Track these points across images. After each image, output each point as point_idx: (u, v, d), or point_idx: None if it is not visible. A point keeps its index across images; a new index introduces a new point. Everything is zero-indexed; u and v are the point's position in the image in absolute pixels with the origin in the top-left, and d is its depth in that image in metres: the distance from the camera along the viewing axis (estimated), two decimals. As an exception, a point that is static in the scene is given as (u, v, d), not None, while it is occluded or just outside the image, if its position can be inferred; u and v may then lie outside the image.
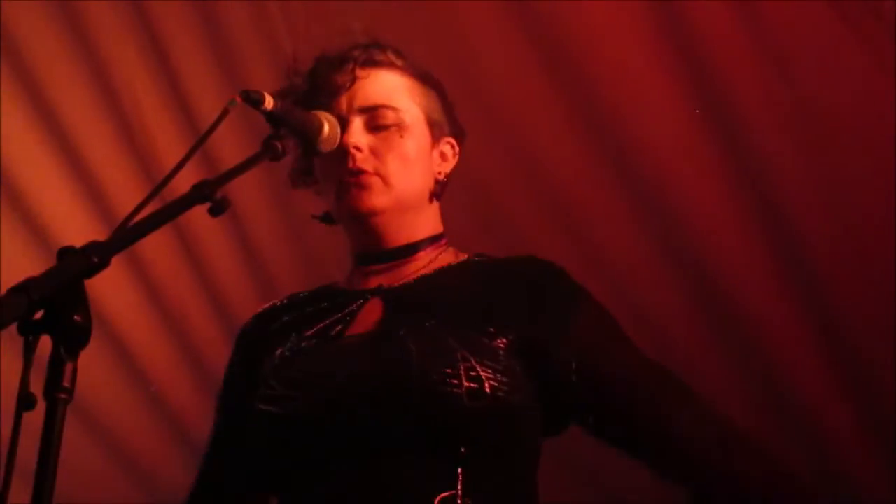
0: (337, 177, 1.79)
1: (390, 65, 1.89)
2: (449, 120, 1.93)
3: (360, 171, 1.78)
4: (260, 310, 1.95)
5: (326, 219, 1.94)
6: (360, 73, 1.85)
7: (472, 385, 1.59)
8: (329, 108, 1.81)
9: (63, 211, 3.46)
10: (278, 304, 1.93)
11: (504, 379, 1.63)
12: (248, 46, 3.23)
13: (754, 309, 3.22)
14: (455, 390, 1.59)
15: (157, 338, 3.64)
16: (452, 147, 1.92)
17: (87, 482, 3.40)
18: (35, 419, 1.23)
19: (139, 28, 3.28)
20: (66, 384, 1.22)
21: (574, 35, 3.06)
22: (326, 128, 1.73)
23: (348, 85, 1.83)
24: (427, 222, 1.88)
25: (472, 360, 1.62)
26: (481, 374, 1.61)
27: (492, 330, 1.69)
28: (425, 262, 1.84)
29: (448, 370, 1.60)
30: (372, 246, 1.84)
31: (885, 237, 2.97)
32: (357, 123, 1.81)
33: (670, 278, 3.27)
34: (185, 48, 3.29)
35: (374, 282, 1.84)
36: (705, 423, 1.77)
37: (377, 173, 1.79)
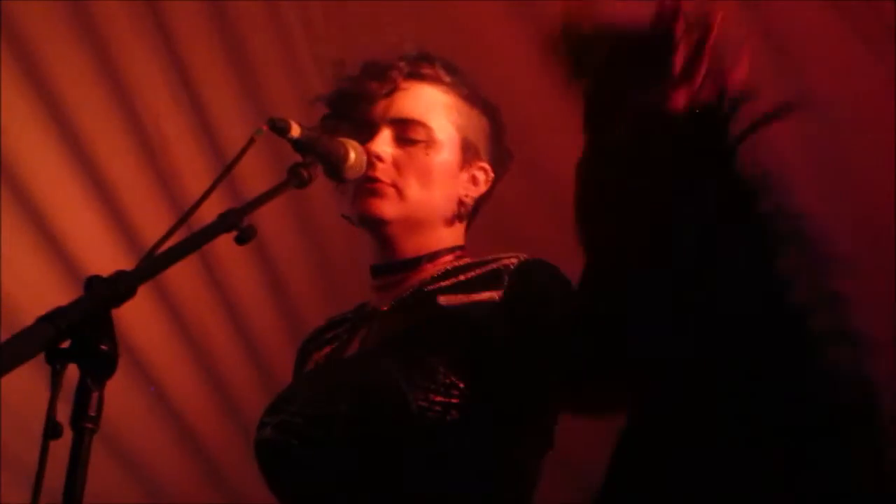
0: (357, 182, 1.80)
1: (436, 80, 1.88)
2: (492, 145, 1.92)
3: (377, 180, 1.79)
4: (319, 326, 2.00)
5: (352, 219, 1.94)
6: (402, 84, 1.85)
7: (457, 413, 1.61)
8: (364, 114, 1.83)
9: (89, 238, 3.47)
10: (320, 327, 1.97)
11: (485, 403, 1.64)
12: (269, 65, 3.25)
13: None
14: (431, 414, 1.60)
15: (182, 365, 3.64)
16: (486, 173, 1.90)
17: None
18: (61, 447, 1.23)
19: (162, 49, 3.30)
20: (92, 413, 1.22)
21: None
22: (352, 155, 1.74)
23: (387, 94, 1.84)
24: (443, 240, 1.86)
25: (462, 384, 1.62)
26: (465, 399, 1.61)
27: (469, 350, 1.67)
28: (425, 277, 1.83)
29: (437, 398, 1.61)
30: (383, 256, 1.86)
31: (890, 233, 2.96)
32: (385, 134, 1.83)
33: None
34: (207, 68, 3.31)
35: (385, 297, 1.84)
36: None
37: (394, 185, 1.80)
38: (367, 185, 1.79)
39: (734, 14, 2.85)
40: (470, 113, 1.89)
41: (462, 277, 1.79)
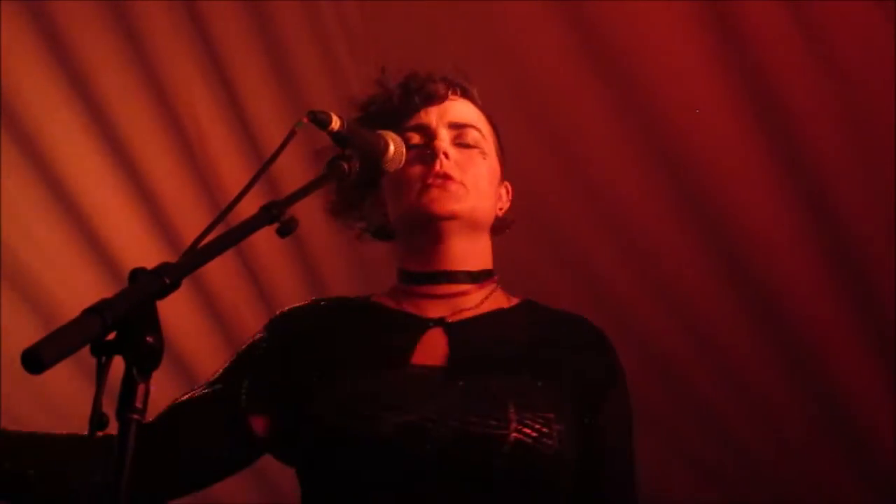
0: (419, 178, 1.81)
1: (474, 100, 1.96)
2: (504, 167, 1.98)
3: (447, 176, 1.81)
4: (304, 303, 1.94)
5: (380, 233, 1.96)
6: (451, 94, 1.92)
7: (560, 448, 1.64)
8: (417, 116, 1.87)
9: (128, 235, 3.49)
10: (322, 303, 1.93)
11: (573, 443, 1.68)
12: (306, 63, 3.25)
13: (809, 314, 3.20)
14: (548, 451, 1.62)
15: (218, 358, 3.65)
16: (508, 192, 1.98)
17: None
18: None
19: (200, 46, 3.31)
20: (138, 405, 1.22)
21: (623, 35, 3.05)
22: (392, 148, 1.74)
23: (441, 99, 1.89)
24: (483, 253, 1.90)
25: (562, 423, 1.65)
26: (565, 436, 1.65)
27: (564, 393, 1.72)
28: (479, 299, 1.85)
29: (545, 430, 1.63)
30: (426, 262, 1.85)
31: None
32: (445, 134, 1.86)
33: (722, 279, 3.26)
34: (243, 61, 3.32)
35: (426, 307, 1.84)
36: None
37: (461, 182, 1.82)
38: (437, 182, 1.81)
39: (775, 13, 2.86)
40: (496, 136, 1.97)
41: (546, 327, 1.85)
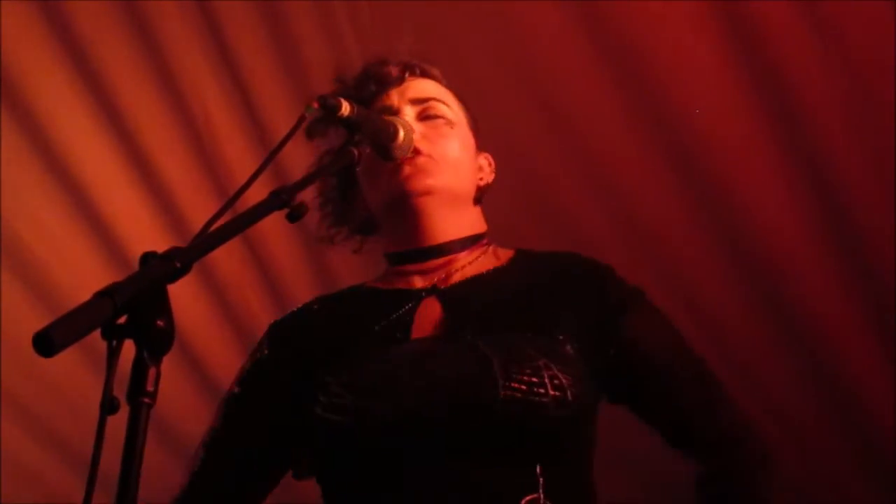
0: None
1: (437, 79, 1.95)
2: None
3: (416, 151, 1.79)
4: (293, 310, 1.93)
5: (365, 229, 1.96)
6: (409, 76, 1.92)
7: (557, 394, 1.60)
8: (379, 99, 1.86)
9: (135, 221, 3.50)
10: (314, 307, 1.92)
11: (581, 384, 1.64)
12: (315, 48, 3.25)
13: (819, 309, 3.20)
14: (542, 399, 1.59)
15: (225, 346, 3.66)
16: (490, 163, 1.97)
17: (158, 488, 3.42)
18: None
19: (207, 34, 3.30)
20: (149, 388, 1.22)
21: (636, 32, 3.04)
22: (401, 134, 1.74)
23: (399, 80, 1.90)
24: (470, 222, 1.89)
25: (554, 368, 1.62)
26: (564, 382, 1.61)
27: (560, 336, 1.69)
28: (466, 262, 1.84)
29: (534, 379, 1.60)
30: (411, 241, 1.84)
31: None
32: (409, 111, 1.85)
33: (732, 274, 3.26)
34: (253, 52, 3.31)
35: (416, 281, 1.83)
36: (722, 414, 1.84)
37: (430, 155, 1.81)
38: (405, 158, 1.79)
39: (789, 11, 2.85)
40: (467, 109, 1.96)
41: (533, 273, 1.83)
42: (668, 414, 1.79)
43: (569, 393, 1.61)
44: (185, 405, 3.47)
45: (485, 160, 1.96)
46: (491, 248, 1.89)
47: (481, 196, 1.93)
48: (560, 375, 1.61)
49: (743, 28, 2.94)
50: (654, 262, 3.25)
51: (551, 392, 1.59)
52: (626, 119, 3.14)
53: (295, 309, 1.93)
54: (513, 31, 3.09)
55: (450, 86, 1.96)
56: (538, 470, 1.60)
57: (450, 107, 1.90)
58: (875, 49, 2.86)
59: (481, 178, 1.93)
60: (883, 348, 3.16)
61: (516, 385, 1.59)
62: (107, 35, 3.29)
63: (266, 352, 1.86)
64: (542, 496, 1.59)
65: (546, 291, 1.78)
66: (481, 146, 1.97)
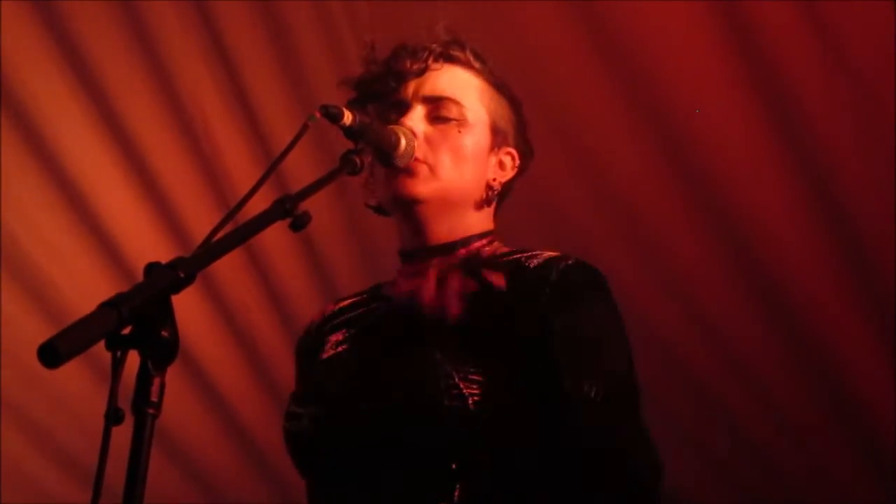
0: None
1: (467, 64, 1.88)
2: (517, 134, 1.91)
3: (412, 158, 1.77)
4: (317, 319, 1.95)
5: (379, 210, 1.94)
6: (433, 64, 1.85)
7: (479, 401, 1.59)
8: (396, 93, 1.83)
9: (136, 231, 3.50)
10: (329, 310, 1.94)
11: (507, 392, 1.63)
12: (314, 56, 3.25)
13: (815, 303, 3.21)
14: (457, 404, 1.59)
15: (226, 353, 3.66)
16: (513, 158, 1.90)
17: (162, 499, 3.42)
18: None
19: (206, 40, 3.31)
20: (154, 399, 1.22)
21: (636, 34, 3.05)
22: (403, 142, 1.73)
23: (419, 73, 1.84)
24: (474, 225, 1.85)
25: (482, 375, 1.61)
26: (488, 390, 1.60)
27: (494, 342, 1.66)
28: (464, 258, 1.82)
29: (454, 391, 1.59)
30: (414, 240, 1.83)
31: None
32: (418, 111, 1.82)
33: (733, 276, 3.26)
34: (252, 57, 3.32)
35: (414, 284, 1.82)
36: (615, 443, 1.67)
37: (426, 162, 1.78)
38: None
39: (789, 13, 2.86)
40: (499, 100, 1.89)
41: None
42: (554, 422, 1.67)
43: (491, 401, 1.60)
44: (188, 415, 3.47)
45: (507, 156, 1.88)
46: (495, 245, 1.86)
47: (495, 196, 1.87)
48: (486, 384, 1.60)
49: (743, 29, 2.95)
50: (654, 263, 3.25)
51: (472, 401, 1.59)
52: (626, 121, 3.15)
53: (320, 316, 1.96)
54: (513, 32, 3.09)
55: (482, 71, 1.88)
56: (454, 476, 1.60)
57: (464, 106, 1.83)
58: (875, 49, 2.87)
59: (495, 178, 1.86)
60: (883, 348, 3.16)
61: (447, 393, 1.59)
62: (107, 43, 3.30)
63: (295, 361, 1.95)
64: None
65: (504, 303, 1.72)
66: (507, 141, 1.89)
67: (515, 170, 1.90)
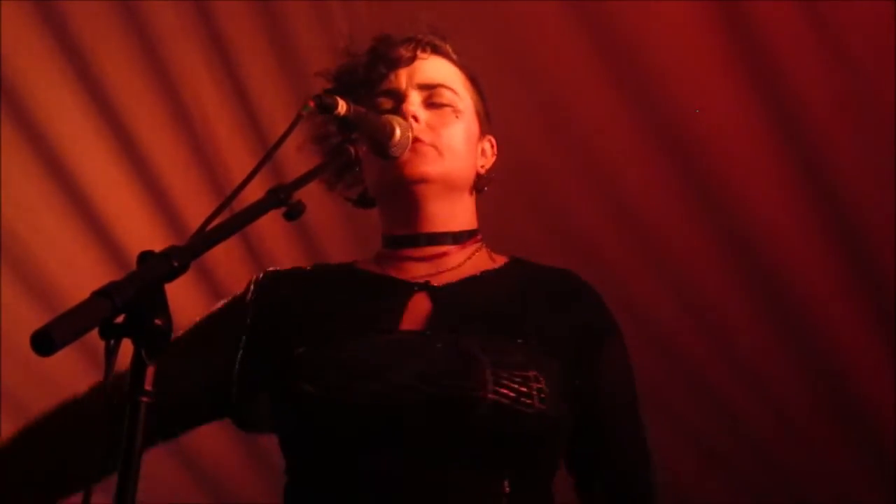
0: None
1: (449, 56, 1.93)
2: (489, 121, 1.96)
3: (418, 140, 1.79)
4: (288, 268, 1.91)
5: (362, 201, 1.95)
6: (421, 53, 1.89)
7: (542, 407, 1.61)
8: (387, 80, 1.85)
9: (131, 220, 3.50)
10: (309, 271, 1.90)
11: (561, 402, 1.66)
12: (310, 47, 3.25)
13: (821, 308, 3.22)
14: (527, 410, 1.60)
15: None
16: (492, 146, 1.95)
17: (159, 490, 3.42)
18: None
19: (204, 34, 3.30)
20: (147, 387, 1.23)
21: (636, 31, 3.05)
22: (398, 132, 1.74)
23: (409, 61, 1.87)
24: (465, 213, 1.88)
25: (543, 381, 1.62)
26: (548, 396, 1.62)
27: (549, 350, 1.70)
28: (461, 259, 1.84)
29: (522, 388, 1.60)
30: (405, 226, 1.84)
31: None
32: (416, 97, 1.84)
33: (734, 273, 3.28)
34: (250, 51, 3.32)
35: (409, 269, 1.83)
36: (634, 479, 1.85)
37: (433, 145, 1.80)
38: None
39: (790, 10, 2.86)
40: (475, 90, 1.94)
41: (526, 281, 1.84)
42: (588, 451, 1.80)
43: (551, 408, 1.62)
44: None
45: (487, 143, 1.94)
46: (484, 248, 1.89)
47: (481, 184, 1.92)
48: (546, 389, 1.62)
49: (744, 27, 2.95)
50: (656, 260, 3.26)
51: (537, 405, 1.60)
52: (626, 118, 3.15)
53: (289, 267, 1.91)
54: (513, 30, 3.09)
55: (460, 63, 1.93)
56: (506, 481, 1.61)
57: (457, 93, 1.87)
58: (875, 48, 2.87)
59: (482, 165, 1.91)
60: (884, 346, 3.17)
61: (504, 391, 1.59)
62: (104, 36, 3.29)
63: (249, 297, 1.84)
64: None
65: (539, 303, 1.79)
66: (487, 129, 1.95)
67: (494, 157, 1.95)
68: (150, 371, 1.23)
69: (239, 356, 1.78)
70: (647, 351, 1.83)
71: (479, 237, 1.89)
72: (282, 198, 1.44)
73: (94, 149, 3.42)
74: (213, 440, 3.66)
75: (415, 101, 1.83)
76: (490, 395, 1.58)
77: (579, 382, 1.72)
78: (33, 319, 1.31)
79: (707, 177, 3.17)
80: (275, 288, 1.85)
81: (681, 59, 3.04)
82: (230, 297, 1.87)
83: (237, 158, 3.37)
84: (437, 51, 1.91)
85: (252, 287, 1.86)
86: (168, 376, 1.55)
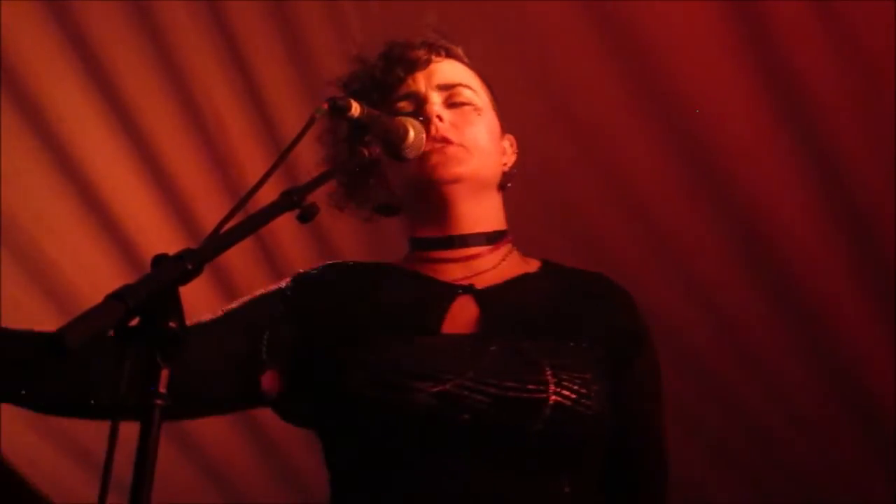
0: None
1: (460, 59, 1.94)
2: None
3: (445, 140, 1.79)
4: (324, 265, 1.89)
5: (385, 209, 1.94)
6: (435, 57, 1.89)
7: (600, 409, 1.63)
8: (404, 83, 1.85)
9: (146, 222, 3.50)
10: (344, 266, 1.89)
11: (608, 404, 1.66)
12: (324, 48, 3.25)
13: (825, 292, 3.22)
14: (587, 412, 1.61)
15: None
16: (512, 144, 1.95)
17: (175, 493, 3.42)
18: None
19: (216, 34, 3.31)
20: (162, 390, 1.23)
21: (651, 34, 3.05)
22: (412, 134, 1.73)
23: (426, 63, 1.87)
24: (494, 212, 1.88)
25: (598, 384, 1.64)
26: (603, 398, 1.64)
27: (591, 351, 1.70)
28: (495, 261, 1.83)
29: (583, 391, 1.61)
30: (436, 228, 1.83)
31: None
32: (436, 98, 1.84)
33: (747, 270, 3.27)
34: (263, 52, 3.32)
35: (443, 272, 1.82)
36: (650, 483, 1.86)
37: (461, 144, 1.80)
38: (435, 146, 1.78)
39: (800, 5, 2.85)
40: (491, 91, 1.95)
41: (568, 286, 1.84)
42: (614, 453, 1.77)
43: (605, 410, 1.64)
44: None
45: (507, 142, 1.94)
46: (515, 251, 1.89)
47: (505, 182, 1.91)
48: (600, 392, 1.64)
49: (757, 28, 2.94)
50: (669, 258, 3.26)
51: (595, 406, 1.62)
52: (640, 119, 3.14)
53: (326, 264, 1.89)
54: (527, 32, 3.09)
55: (473, 66, 1.94)
56: (566, 482, 1.62)
57: (476, 91, 1.88)
58: (887, 47, 2.86)
59: (505, 163, 1.91)
60: (891, 333, 3.16)
61: (566, 392, 1.60)
62: (118, 38, 3.29)
63: (289, 293, 1.82)
64: None
65: (578, 306, 1.79)
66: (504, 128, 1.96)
67: (515, 155, 1.95)
68: (165, 374, 1.23)
69: (267, 334, 1.75)
70: (658, 348, 1.85)
71: (509, 238, 1.89)
72: (295, 200, 1.44)
73: (109, 151, 3.42)
74: (226, 439, 3.67)
75: (436, 101, 1.83)
76: (553, 397, 1.59)
77: (613, 384, 1.72)
78: (48, 322, 1.31)
79: (722, 178, 3.17)
80: (314, 283, 1.84)
81: (695, 59, 3.03)
82: (263, 291, 1.83)
83: (251, 160, 3.37)
84: (450, 53, 1.92)
85: (290, 283, 1.83)
86: (198, 349, 1.60)
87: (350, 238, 3.47)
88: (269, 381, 1.75)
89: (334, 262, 1.91)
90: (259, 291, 1.83)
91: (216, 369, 1.72)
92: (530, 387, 1.59)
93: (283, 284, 1.84)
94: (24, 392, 1.61)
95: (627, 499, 1.81)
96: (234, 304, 1.81)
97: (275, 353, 1.74)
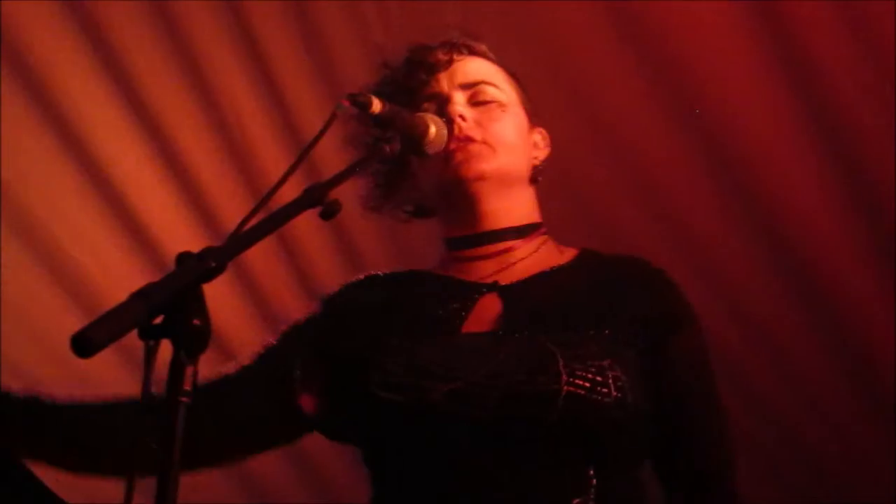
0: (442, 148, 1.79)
1: (484, 55, 1.93)
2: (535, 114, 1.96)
3: (468, 139, 1.79)
4: (355, 279, 1.93)
5: (419, 212, 1.96)
6: (457, 56, 1.89)
7: (619, 395, 1.60)
8: (428, 86, 1.86)
9: (168, 221, 3.51)
10: (375, 278, 1.92)
11: (639, 388, 1.64)
12: (344, 48, 3.25)
13: (852, 294, 3.21)
14: (604, 399, 1.59)
15: (259, 341, 3.67)
16: (544, 137, 1.95)
17: (199, 490, 3.43)
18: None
19: (237, 33, 3.31)
20: (187, 387, 1.23)
21: (672, 32, 3.04)
22: (433, 129, 1.73)
23: (447, 64, 1.87)
24: (525, 206, 1.88)
25: (618, 369, 1.61)
26: (626, 384, 1.61)
27: (623, 338, 1.69)
28: (527, 253, 1.84)
29: (598, 378, 1.59)
30: (466, 226, 1.84)
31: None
32: (459, 97, 1.84)
33: (770, 266, 3.27)
34: (283, 51, 3.32)
35: (475, 270, 1.82)
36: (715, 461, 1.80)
37: (484, 141, 1.80)
38: (458, 146, 1.79)
39: (825, 13, 2.84)
40: (517, 85, 1.95)
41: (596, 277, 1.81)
42: (666, 439, 1.75)
43: (630, 396, 1.61)
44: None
45: (539, 135, 1.94)
46: (551, 241, 1.89)
47: (537, 175, 1.92)
48: (623, 377, 1.61)
49: (779, 28, 2.93)
50: (690, 253, 3.25)
51: (614, 393, 1.59)
52: (661, 116, 3.14)
53: (351, 282, 1.93)
54: (548, 31, 3.08)
55: (498, 61, 1.94)
56: (591, 472, 1.60)
57: (499, 87, 1.88)
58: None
59: (536, 157, 1.92)
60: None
61: (580, 381, 1.59)
62: (139, 37, 3.30)
63: (319, 316, 1.87)
64: (591, 499, 1.59)
65: (610, 292, 1.77)
66: (535, 121, 1.95)
67: (548, 148, 1.95)
68: (189, 371, 1.23)
69: (299, 362, 1.80)
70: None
71: (543, 230, 1.89)
72: (317, 197, 1.44)
73: (131, 152, 3.43)
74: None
75: (459, 101, 1.84)
76: (566, 388, 1.57)
77: (656, 371, 1.70)
78: (71, 320, 1.32)
79: (743, 175, 3.17)
80: (343, 300, 1.88)
81: (715, 51, 3.02)
82: (302, 316, 1.90)
83: (272, 158, 3.38)
84: (472, 51, 1.92)
85: (322, 304, 1.89)
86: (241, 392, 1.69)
87: (372, 236, 3.47)
88: (307, 403, 1.79)
89: (368, 274, 1.94)
90: (293, 320, 1.89)
91: (255, 412, 1.79)
92: (542, 379, 1.59)
93: (314, 309, 1.88)
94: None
95: (690, 486, 1.77)
96: (272, 340, 1.87)
97: (309, 375, 1.79)
